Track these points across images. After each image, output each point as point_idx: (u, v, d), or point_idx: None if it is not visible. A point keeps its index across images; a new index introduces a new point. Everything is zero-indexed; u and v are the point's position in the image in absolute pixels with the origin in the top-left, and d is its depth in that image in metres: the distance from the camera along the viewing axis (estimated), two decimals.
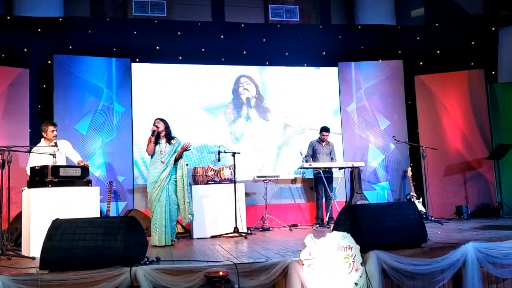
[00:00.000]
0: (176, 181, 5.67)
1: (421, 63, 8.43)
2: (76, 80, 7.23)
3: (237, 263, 3.61)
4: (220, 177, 6.65)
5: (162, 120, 5.77)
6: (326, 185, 7.08)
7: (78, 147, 6.93)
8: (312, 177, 7.57)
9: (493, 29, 8.25)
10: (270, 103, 8.15)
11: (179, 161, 5.70)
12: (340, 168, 7.45)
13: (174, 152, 5.69)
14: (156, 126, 5.66)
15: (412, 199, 7.30)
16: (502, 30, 8.22)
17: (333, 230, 3.91)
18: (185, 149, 5.68)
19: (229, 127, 7.95)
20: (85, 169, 5.16)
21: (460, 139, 8.00)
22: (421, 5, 9.08)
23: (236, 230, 6.14)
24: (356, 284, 3.59)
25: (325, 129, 7.41)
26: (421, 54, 8.44)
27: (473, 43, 8.30)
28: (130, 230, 3.75)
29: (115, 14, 8.04)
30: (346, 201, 7.72)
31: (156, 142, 5.65)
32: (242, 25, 8.09)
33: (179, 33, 7.86)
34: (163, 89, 7.74)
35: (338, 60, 8.37)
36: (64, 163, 5.51)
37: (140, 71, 7.70)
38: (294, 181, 7.99)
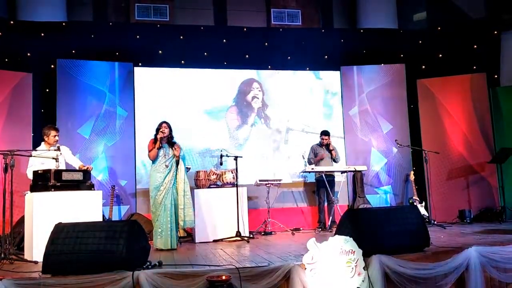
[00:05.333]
0: (177, 185, 5.66)
1: (423, 66, 8.43)
2: (79, 84, 7.26)
3: (239, 267, 3.60)
4: (223, 181, 6.65)
5: (168, 125, 5.77)
6: (329, 189, 7.07)
7: (80, 151, 6.97)
8: (314, 181, 7.57)
9: (495, 33, 8.25)
10: (273, 107, 8.16)
11: (178, 166, 5.67)
12: (342, 172, 7.44)
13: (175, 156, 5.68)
14: (162, 132, 5.65)
15: (415, 203, 7.28)
16: (505, 34, 8.21)
17: (335, 234, 3.90)
18: (178, 153, 5.64)
19: (231, 131, 7.96)
20: (87, 173, 5.17)
21: (462, 143, 7.98)
22: (423, 9, 9.09)
23: (238, 234, 6.13)
24: None
25: (323, 133, 7.42)
26: (423, 58, 8.44)
27: (475, 46, 8.29)
28: (132, 234, 3.75)
29: (117, 18, 8.07)
30: (348, 205, 7.69)
31: (160, 147, 5.64)
32: (244, 29, 8.12)
33: (181, 37, 7.89)
34: (166, 93, 7.76)
35: (340, 64, 8.38)
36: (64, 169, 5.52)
37: (143, 75, 7.72)
38: (300, 184, 8.00)
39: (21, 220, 5.34)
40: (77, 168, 5.46)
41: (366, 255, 3.71)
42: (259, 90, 8.17)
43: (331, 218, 7.13)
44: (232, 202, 6.36)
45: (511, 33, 8.20)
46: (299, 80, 8.32)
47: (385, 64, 8.39)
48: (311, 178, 7.80)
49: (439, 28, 8.43)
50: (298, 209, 7.91)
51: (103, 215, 5.93)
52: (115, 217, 6.86)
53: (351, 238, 3.67)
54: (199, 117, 7.84)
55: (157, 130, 5.70)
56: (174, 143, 5.75)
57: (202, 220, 6.29)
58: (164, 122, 5.79)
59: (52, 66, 7.22)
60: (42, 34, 7.29)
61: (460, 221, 7.37)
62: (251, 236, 6.43)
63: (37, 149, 5.51)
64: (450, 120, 8.07)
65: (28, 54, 7.22)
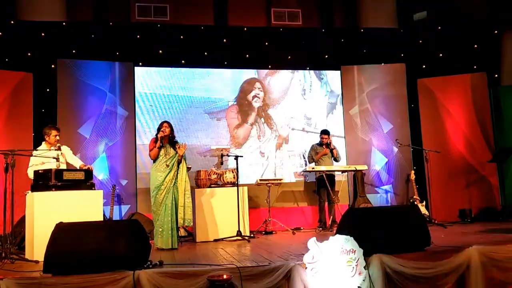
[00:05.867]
0: (178, 184, 5.67)
1: (424, 66, 8.42)
2: (79, 84, 7.26)
3: (240, 267, 3.60)
4: (223, 180, 6.64)
5: (169, 124, 5.78)
6: (329, 188, 7.07)
7: (81, 151, 6.98)
8: (315, 180, 7.57)
9: (496, 32, 8.24)
10: (273, 106, 8.17)
11: (179, 165, 5.68)
12: (343, 171, 7.44)
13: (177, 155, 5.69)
14: (163, 131, 5.65)
15: (415, 203, 7.28)
16: (505, 33, 8.21)
17: (336, 233, 3.90)
18: (182, 152, 5.64)
19: (232, 131, 7.96)
20: (88, 173, 5.17)
21: (463, 142, 7.98)
22: (424, 8, 9.08)
23: (239, 233, 6.13)
24: (359, 287, 3.58)
25: (323, 132, 7.43)
26: (423, 57, 8.43)
27: (475, 46, 8.29)
28: (133, 233, 3.76)
29: (118, 18, 8.06)
30: (349, 205, 7.71)
31: (161, 146, 5.64)
32: (245, 28, 8.11)
33: (181, 37, 7.89)
34: (166, 93, 7.76)
35: (341, 63, 8.38)
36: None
37: (143, 75, 7.73)
38: (301, 184, 8.00)
39: (22, 220, 5.34)
40: (78, 168, 5.45)
41: (366, 255, 3.71)
42: (261, 90, 8.17)
43: (331, 217, 7.13)
44: (232, 202, 6.35)
45: (511, 32, 8.20)
46: (300, 80, 8.33)
47: (386, 63, 8.39)
48: (312, 178, 7.80)
49: (439, 28, 8.42)
50: (299, 208, 7.91)
51: (104, 215, 5.92)
52: (116, 217, 6.87)
53: (352, 238, 3.67)
54: (200, 117, 7.84)
55: (158, 129, 5.70)
56: (176, 142, 5.76)
57: (203, 220, 6.29)
58: (165, 121, 5.80)
59: (53, 65, 7.23)
60: (43, 34, 7.29)
61: (461, 221, 7.36)
62: (252, 235, 6.43)
63: (38, 148, 5.51)
64: (450, 120, 8.07)
65: (29, 54, 7.23)
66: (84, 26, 7.63)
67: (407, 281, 3.76)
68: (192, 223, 5.82)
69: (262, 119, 8.11)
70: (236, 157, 6.51)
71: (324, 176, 7.01)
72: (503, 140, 7.74)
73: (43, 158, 5.28)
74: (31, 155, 5.36)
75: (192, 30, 7.93)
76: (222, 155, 6.63)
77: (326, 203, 7.31)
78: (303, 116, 8.24)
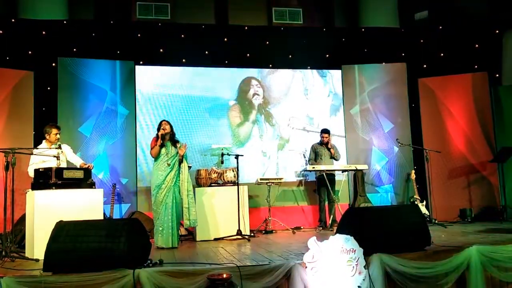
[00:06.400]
0: (180, 184, 5.67)
1: (425, 65, 8.41)
2: (80, 83, 7.26)
3: (240, 266, 3.61)
4: (224, 179, 6.65)
5: (168, 122, 5.80)
6: (329, 187, 7.06)
7: (81, 149, 6.98)
8: (315, 179, 7.57)
9: (497, 31, 8.23)
10: (274, 105, 8.17)
11: (181, 165, 5.69)
12: (343, 171, 7.44)
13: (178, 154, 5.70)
14: (163, 129, 5.67)
15: (416, 202, 7.28)
16: (506, 32, 8.20)
17: (336, 233, 3.91)
18: (183, 152, 5.66)
19: (233, 130, 7.96)
20: (88, 171, 5.18)
21: (464, 142, 7.98)
22: (425, 7, 9.07)
23: (239, 232, 6.14)
24: (359, 287, 3.58)
25: (324, 131, 7.42)
26: (424, 57, 8.42)
27: (476, 45, 8.28)
28: (133, 232, 3.76)
29: (119, 16, 8.06)
30: (349, 204, 7.70)
31: (162, 145, 5.65)
32: (246, 27, 8.11)
33: (182, 35, 7.89)
34: (167, 92, 7.76)
35: (342, 62, 8.36)
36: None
37: (144, 73, 7.72)
38: (301, 183, 8.00)
39: (22, 218, 5.34)
40: (78, 167, 5.46)
41: (367, 254, 3.71)
42: (259, 87, 8.16)
43: (332, 217, 7.12)
44: (233, 201, 6.36)
45: None
46: (300, 79, 8.32)
47: (387, 63, 8.38)
48: (312, 177, 7.80)
49: (440, 27, 8.41)
50: (299, 207, 7.91)
51: (104, 214, 5.92)
52: (116, 216, 6.87)
53: (352, 237, 3.68)
54: (200, 116, 7.84)
55: (158, 128, 5.72)
56: (177, 141, 5.77)
57: (203, 219, 6.28)
58: (164, 120, 5.85)
59: (53, 64, 7.22)
60: (44, 33, 7.29)
61: (461, 220, 7.36)
62: (252, 234, 6.43)
63: (38, 147, 5.52)
64: (451, 119, 8.06)
65: (30, 53, 7.22)
66: (85, 25, 7.63)
67: (407, 280, 3.77)
68: (197, 224, 5.82)
69: (263, 116, 8.11)
70: (237, 156, 6.52)
71: (324, 175, 7.01)
72: (504, 140, 7.72)
73: (43, 157, 5.29)
74: (32, 154, 5.37)
75: (193, 29, 7.92)
76: (222, 154, 6.63)
77: (326, 203, 7.31)
78: (305, 116, 8.23)
